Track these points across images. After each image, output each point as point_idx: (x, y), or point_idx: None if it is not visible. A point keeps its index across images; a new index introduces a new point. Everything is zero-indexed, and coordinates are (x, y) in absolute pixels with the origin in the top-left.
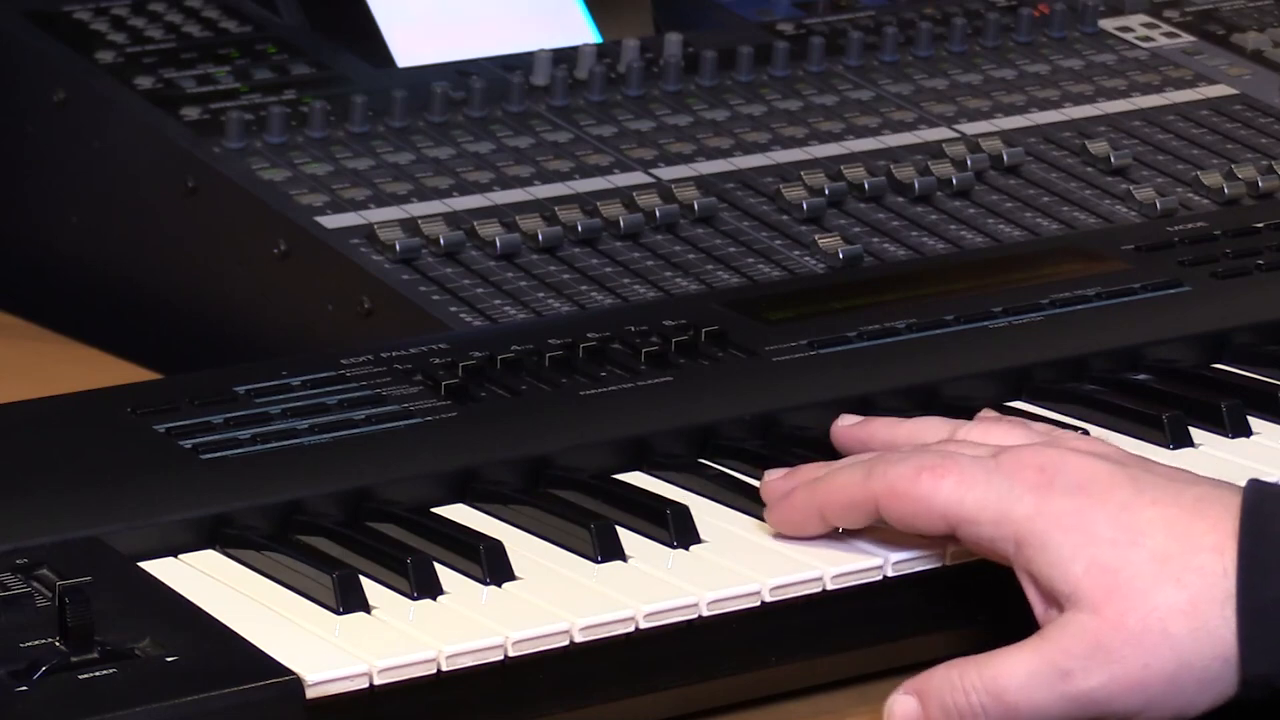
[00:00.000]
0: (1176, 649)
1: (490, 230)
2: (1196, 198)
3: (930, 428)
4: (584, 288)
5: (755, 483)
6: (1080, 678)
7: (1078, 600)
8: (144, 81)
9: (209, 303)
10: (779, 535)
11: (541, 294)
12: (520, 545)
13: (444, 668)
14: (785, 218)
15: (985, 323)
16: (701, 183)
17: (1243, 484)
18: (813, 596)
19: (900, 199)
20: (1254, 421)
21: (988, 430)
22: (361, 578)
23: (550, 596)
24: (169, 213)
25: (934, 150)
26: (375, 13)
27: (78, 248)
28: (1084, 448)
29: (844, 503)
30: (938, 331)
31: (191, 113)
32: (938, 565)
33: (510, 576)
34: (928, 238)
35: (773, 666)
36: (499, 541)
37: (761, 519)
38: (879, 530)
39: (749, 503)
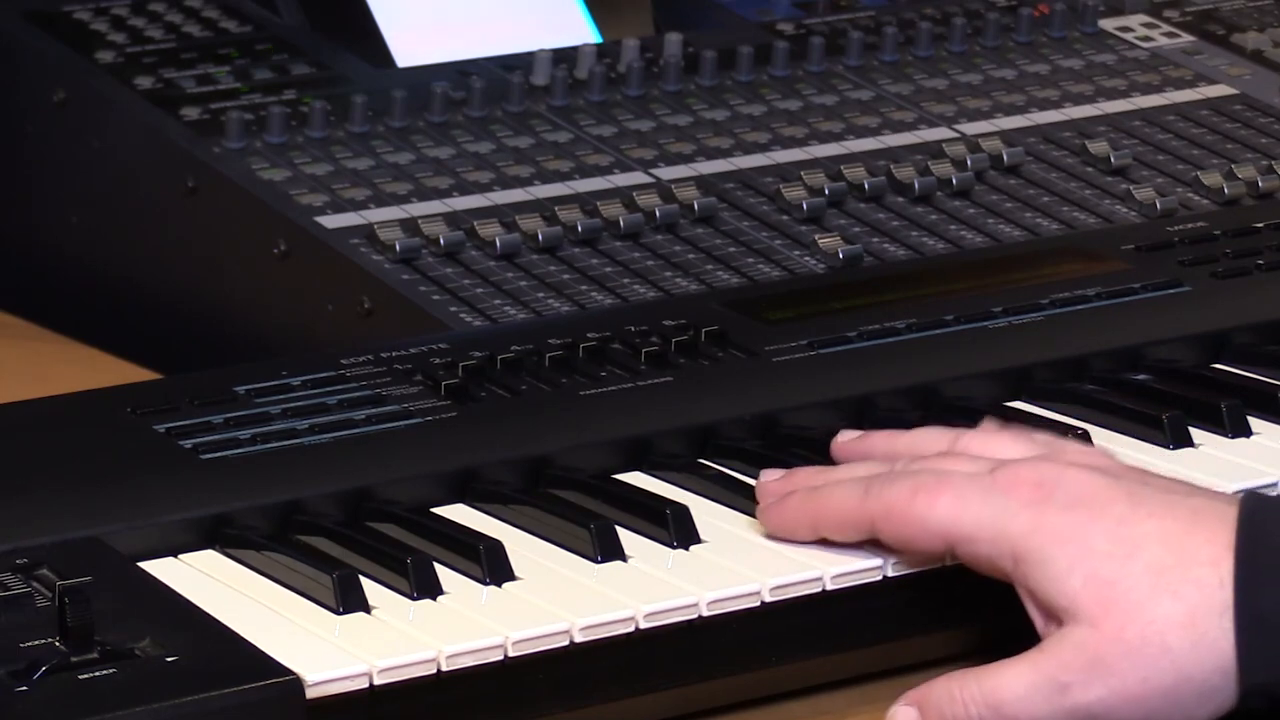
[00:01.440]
0: (1176, 662)
1: (490, 230)
2: (1196, 198)
3: (929, 438)
4: (584, 288)
5: (755, 483)
6: (1079, 691)
7: (1075, 614)
8: (144, 81)
9: (209, 303)
10: (769, 535)
11: (541, 294)
12: (520, 545)
13: (444, 668)
14: (785, 218)
15: (985, 323)
16: (701, 183)
17: (1238, 495)
18: (813, 596)
19: (900, 199)
20: (1254, 421)
21: (987, 441)
22: (361, 578)
23: (550, 596)
24: (169, 213)
25: (934, 150)
26: (375, 13)
27: (78, 248)
28: (1082, 460)
29: (839, 520)
30: (938, 331)
31: (191, 113)
32: (938, 565)
33: (510, 576)
34: (928, 238)
35: (773, 666)
36: (499, 541)
37: None
38: None
39: (749, 503)
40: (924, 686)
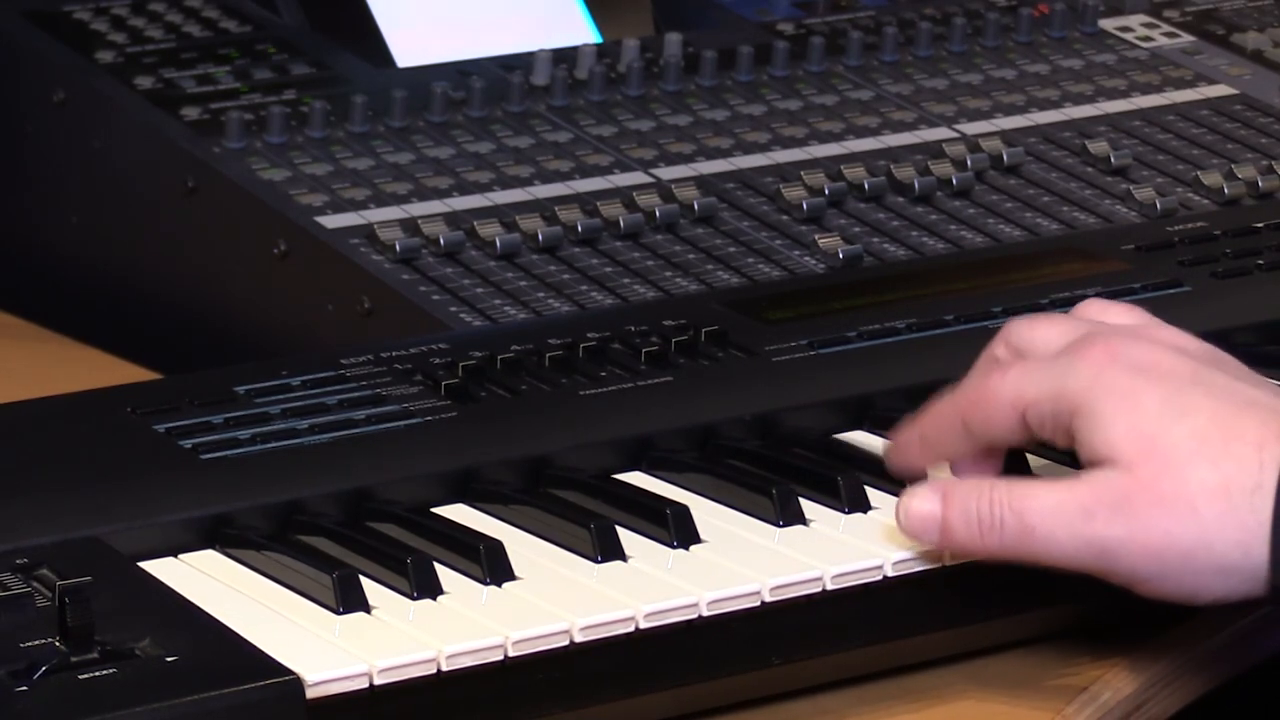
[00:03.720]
0: (1201, 526)
1: (490, 230)
2: (1196, 198)
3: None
4: (584, 288)
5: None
6: (1102, 524)
7: (1114, 460)
8: (144, 81)
9: (209, 303)
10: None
11: (541, 294)
12: (520, 545)
13: (444, 668)
14: (785, 218)
15: (985, 323)
16: (701, 183)
17: None
18: (813, 596)
19: (900, 199)
20: None
21: (1104, 308)
22: (361, 578)
23: (550, 596)
24: (169, 213)
25: (934, 150)
26: (375, 13)
27: (78, 248)
28: (1165, 339)
29: (937, 427)
30: (938, 331)
31: (191, 113)
32: (937, 565)
33: (510, 576)
34: (928, 238)
35: (773, 666)
36: (499, 541)
37: (760, 519)
38: (878, 530)
39: (749, 503)
40: (948, 479)
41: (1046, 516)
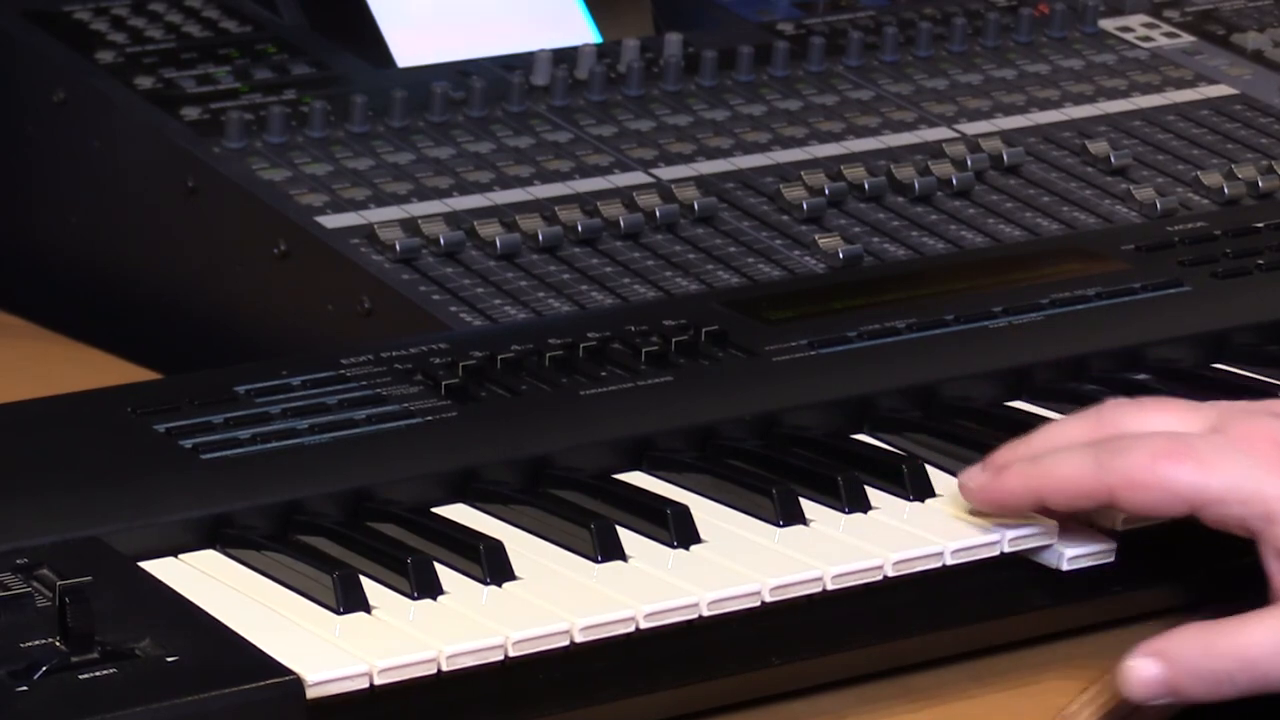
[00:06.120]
0: None
1: (490, 230)
2: (1196, 198)
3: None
4: (584, 288)
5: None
6: None
7: None
8: (144, 81)
9: (209, 303)
10: (985, 513)
11: (541, 294)
12: (520, 545)
13: (444, 668)
14: (785, 218)
15: (985, 323)
16: (701, 183)
17: None
18: (813, 596)
19: (900, 199)
20: None
21: (1147, 416)
22: (361, 578)
23: (550, 596)
24: (169, 213)
25: (934, 150)
26: (375, 13)
27: (78, 248)
28: None
29: (1071, 492)
30: (938, 331)
31: (191, 113)
32: (938, 565)
33: (510, 576)
34: (928, 238)
35: (773, 666)
36: (499, 541)
37: (760, 519)
38: (877, 529)
39: (749, 503)
40: (1162, 639)
41: (1276, 658)
